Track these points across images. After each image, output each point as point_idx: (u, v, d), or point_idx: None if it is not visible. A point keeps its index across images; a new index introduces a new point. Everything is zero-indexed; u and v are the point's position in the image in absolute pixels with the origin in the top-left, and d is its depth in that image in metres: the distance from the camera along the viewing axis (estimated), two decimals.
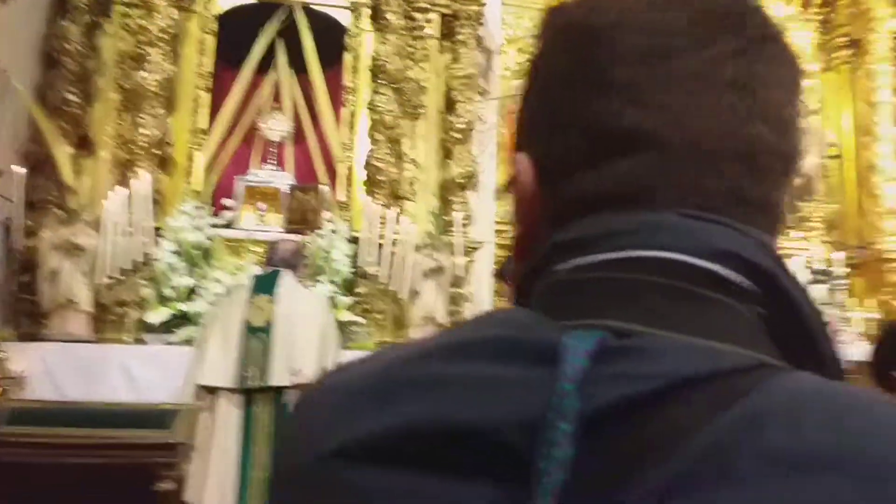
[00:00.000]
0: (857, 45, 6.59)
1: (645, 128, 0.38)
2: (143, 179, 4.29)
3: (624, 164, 0.38)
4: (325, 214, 4.70)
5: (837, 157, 6.67)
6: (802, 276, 5.61)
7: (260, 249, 4.42)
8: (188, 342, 3.90)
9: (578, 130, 0.40)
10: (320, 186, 4.86)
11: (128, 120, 4.51)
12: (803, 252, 5.94)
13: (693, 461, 0.28)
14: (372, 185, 4.80)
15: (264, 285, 3.31)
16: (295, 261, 3.45)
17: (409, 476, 0.32)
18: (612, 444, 0.30)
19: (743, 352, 0.33)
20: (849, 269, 5.85)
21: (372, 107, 4.93)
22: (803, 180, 6.47)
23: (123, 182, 4.32)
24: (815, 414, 0.29)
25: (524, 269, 0.42)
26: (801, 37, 6.67)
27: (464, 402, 0.33)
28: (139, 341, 4.18)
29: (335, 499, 0.34)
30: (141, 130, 4.46)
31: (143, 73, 4.51)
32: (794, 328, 0.36)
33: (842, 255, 5.79)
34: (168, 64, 4.63)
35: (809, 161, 6.51)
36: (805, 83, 0.44)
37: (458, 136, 4.99)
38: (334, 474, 0.34)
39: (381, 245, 4.54)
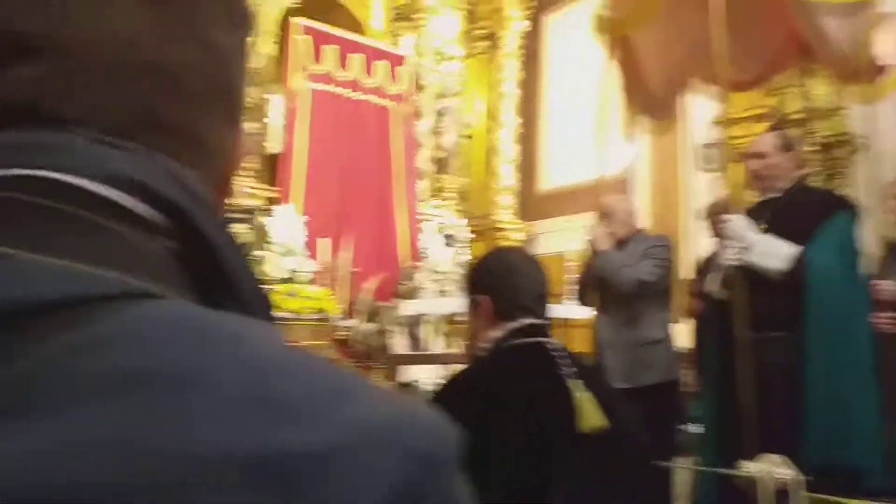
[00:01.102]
0: (493, 39, 7.50)
1: (42, 34, 0.34)
2: None
3: (20, 74, 0.34)
4: None
5: (470, 137, 7.55)
6: (436, 240, 6.24)
7: None
8: None
9: None
10: None
11: None
12: (439, 219, 6.61)
13: None
14: None
15: None
16: None
17: None
18: None
19: (113, 278, 0.30)
20: (472, 236, 6.70)
21: None
22: (444, 155, 7.18)
23: None
24: (158, 336, 0.28)
25: None
26: (451, 23, 7.33)
27: None
28: None
29: None
30: None
31: None
32: (209, 266, 0.35)
33: (465, 222, 6.61)
34: None
35: (448, 139, 7.24)
36: (251, 14, 0.44)
37: None
38: None
39: None
